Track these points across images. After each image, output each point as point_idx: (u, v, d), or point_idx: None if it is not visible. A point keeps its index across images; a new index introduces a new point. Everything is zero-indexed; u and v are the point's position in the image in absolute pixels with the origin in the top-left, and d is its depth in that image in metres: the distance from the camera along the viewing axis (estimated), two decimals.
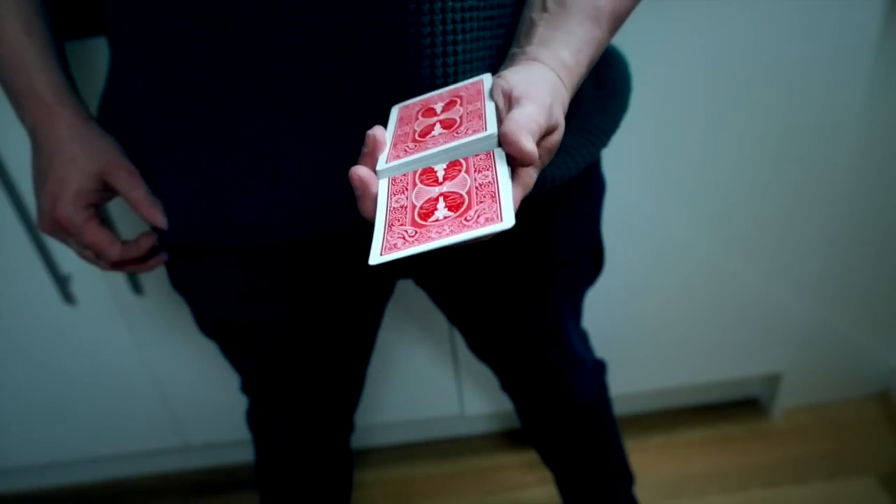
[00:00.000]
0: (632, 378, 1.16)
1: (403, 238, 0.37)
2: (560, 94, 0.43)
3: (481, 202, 0.37)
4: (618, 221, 0.95)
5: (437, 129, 0.42)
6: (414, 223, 0.38)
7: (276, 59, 0.45)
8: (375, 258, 0.37)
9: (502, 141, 0.39)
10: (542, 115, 0.40)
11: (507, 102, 0.42)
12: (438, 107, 0.45)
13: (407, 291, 0.98)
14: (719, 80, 0.85)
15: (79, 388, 1.11)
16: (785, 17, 0.81)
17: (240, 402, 1.14)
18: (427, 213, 0.38)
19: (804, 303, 1.08)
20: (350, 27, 0.44)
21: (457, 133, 0.41)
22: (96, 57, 0.79)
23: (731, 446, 1.22)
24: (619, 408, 1.27)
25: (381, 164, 0.42)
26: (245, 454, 1.28)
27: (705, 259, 1.02)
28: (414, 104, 0.46)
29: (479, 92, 0.44)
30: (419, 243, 0.36)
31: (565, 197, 0.60)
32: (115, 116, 0.56)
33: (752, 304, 1.08)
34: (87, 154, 0.54)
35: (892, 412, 1.24)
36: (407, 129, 0.44)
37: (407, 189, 0.40)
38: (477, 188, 0.38)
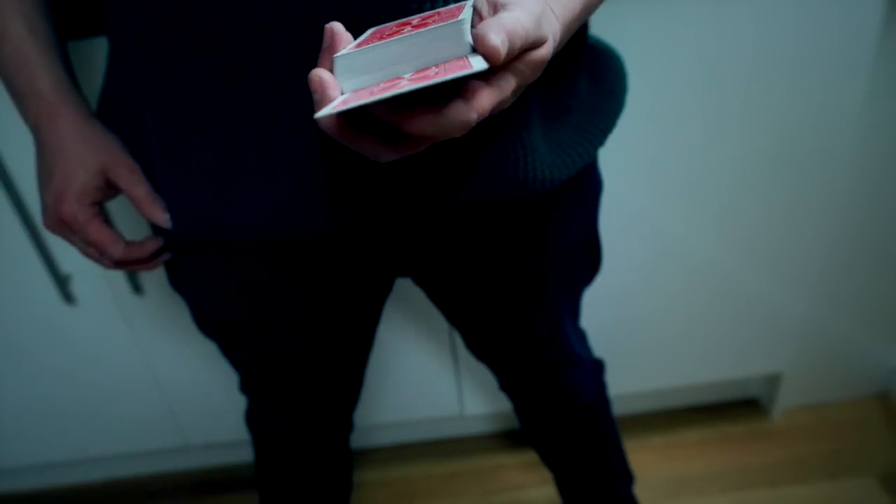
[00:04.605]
0: (632, 378, 1.16)
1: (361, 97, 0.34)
2: (551, 22, 0.41)
3: (450, 65, 0.35)
4: (617, 221, 0.95)
5: (407, 30, 0.39)
6: (374, 93, 0.35)
7: (277, 58, 0.45)
8: (327, 109, 0.34)
9: (474, 39, 0.36)
10: (528, 20, 0.37)
11: (493, 10, 0.39)
12: (415, 20, 0.42)
13: (407, 291, 0.99)
14: (718, 80, 0.85)
15: (79, 388, 1.11)
16: (785, 17, 0.81)
17: (240, 402, 1.14)
18: (389, 87, 0.35)
19: (804, 303, 1.08)
20: (350, 26, 0.44)
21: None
22: (97, 56, 0.79)
23: (731, 446, 1.22)
24: (619, 408, 1.27)
25: (338, 52, 0.39)
26: (245, 454, 1.28)
27: (705, 259, 1.02)
28: (390, 24, 0.44)
29: (461, 8, 0.41)
30: (379, 94, 0.33)
31: (562, 196, 0.60)
32: (116, 113, 0.56)
33: (752, 304, 1.08)
34: (89, 151, 0.55)
35: (892, 412, 1.24)
36: (376, 36, 0.41)
37: (370, 92, 0.38)
38: (447, 66, 0.35)
